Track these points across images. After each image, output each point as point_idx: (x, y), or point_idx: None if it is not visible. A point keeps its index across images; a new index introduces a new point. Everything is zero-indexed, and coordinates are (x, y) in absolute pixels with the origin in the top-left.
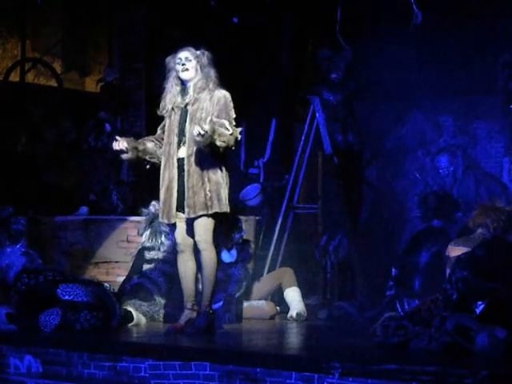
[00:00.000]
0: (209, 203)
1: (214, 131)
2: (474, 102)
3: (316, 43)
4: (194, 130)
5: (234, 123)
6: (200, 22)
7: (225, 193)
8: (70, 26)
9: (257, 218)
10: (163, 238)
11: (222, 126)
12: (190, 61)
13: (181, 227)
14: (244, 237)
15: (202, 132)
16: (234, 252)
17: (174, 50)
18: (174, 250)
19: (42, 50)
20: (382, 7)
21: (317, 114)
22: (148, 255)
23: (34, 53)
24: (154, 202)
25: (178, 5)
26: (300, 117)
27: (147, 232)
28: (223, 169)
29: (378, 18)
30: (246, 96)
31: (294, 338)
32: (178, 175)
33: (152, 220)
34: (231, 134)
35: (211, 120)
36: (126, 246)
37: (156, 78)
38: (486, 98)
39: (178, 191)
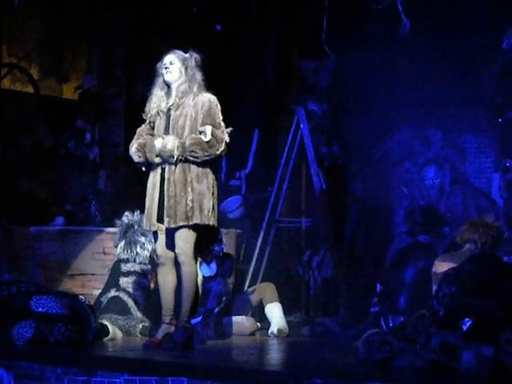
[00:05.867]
0: (189, 213)
1: (184, 150)
2: (463, 116)
3: (301, 52)
4: (163, 154)
5: (223, 125)
6: (182, 29)
7: (209, 204)
8: (47, 31)
9: (238, 231)
10: (138, 249)
11: (202, 133)
12: (174, 64)
13: (162, 239)
14: (224, 250)
15: (173, 160)
16: (213, 265)
17: (155, 57)
18: (151, 262)
19: (18, 55)
20: (369, 16)
21: (301, 125)
22: (124, 268)
23: (11, 58)
24: (126, 213)
25: (159, 11)
26: (284, 128)
27: (122, 243)
28: (210, 178)
29: (365, 28)
30: (228, 105)
31: (274, 354)
32: (161, 183)
33: (126, 231)
34: (208, 142)
35: (184, 143)
36: (102, 258)
37: (137, 85)
38: (475, 111)
39: (159, 199)
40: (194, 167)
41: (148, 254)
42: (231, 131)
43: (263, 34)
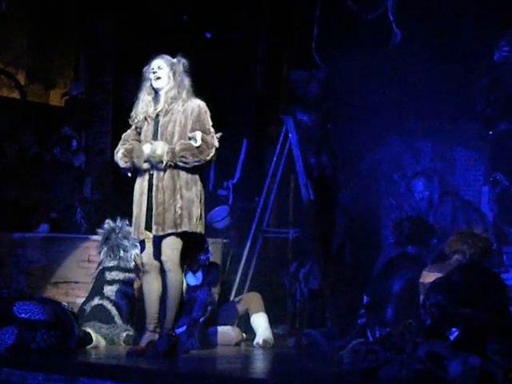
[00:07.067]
0: (178, 221)
1: (174, 156)
2: (453, 128)
3: (291, 62)
4: (152, 159)
5: (213, 131)
6: (172, 37)
7: (197, 211)
8: (35, 36)
9: (224, 240)
10: (122, 253)
11: (192, 138)
12: (162, 69)
13: (148, 247)
14: (210, 259)
15: (162, 166)
16: (199, 274)
17: (143, 64)
18: (135, 270)
19: (5, 60)
20: (360, 26)
21: (290, 135)
22: (109, 276)
23: None
24: (107, 220)
25: (148, 18)
26: (272, 138)
27: (105, 248)
28: (198, 185)
29: (355, 38)
30: (217, 114)
31: (259, 364)
32: (148, 190)
33: (107, 237)
34: (198, 147)
35: (173, 149)
36: (86, 266)
37: (125, 92)
38: (465, 123)
39: (147, 207)
40: (183, 174)
41: (131, 257)
42: (221, 136)
43: (253, 43)
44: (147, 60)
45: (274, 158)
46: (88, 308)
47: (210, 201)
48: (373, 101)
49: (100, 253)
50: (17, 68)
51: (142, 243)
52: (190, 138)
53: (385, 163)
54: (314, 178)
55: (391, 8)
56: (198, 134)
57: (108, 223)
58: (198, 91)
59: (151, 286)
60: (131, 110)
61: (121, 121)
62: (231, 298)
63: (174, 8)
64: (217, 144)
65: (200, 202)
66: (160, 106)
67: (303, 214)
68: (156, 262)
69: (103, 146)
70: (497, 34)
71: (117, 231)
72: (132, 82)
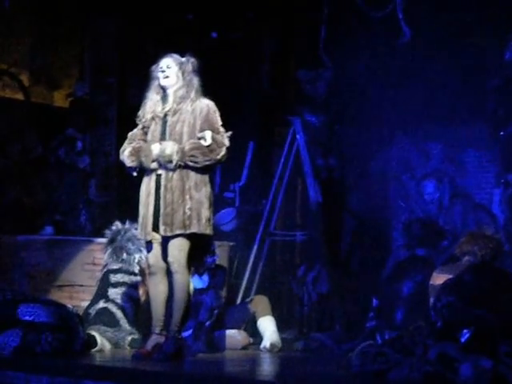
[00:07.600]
0: (187, 222)
1: (183, 155)
2: (463, 129)
3: (298, 61)
4: (162, 159)
5: (223, 130)
6: (177, 37)
7: (206, 213)
8: (38, 36)
9: (231, 243)
10: (124, 255)
11: (202, 138)
12: (171, 68)
13: (155, 248)
14: (217, 262)
15: (172, 166)
16: (205, 277)
17: (148, 65)
18: (141, 273)
19: (8, 61)
20: (368, 24)
21: (297, 136)
22: (113, 278)
23: (1, 64)
24: (116, 222)
25: (153, 18)
26: (279, 140)
27: (109, 250)
28: (208, 187)
29: (364, 37)
30: (223, 115)
31: (266, 367)
32: (156, 190)
33: (113, 238)
34: (208, 146)
35: (183, 148)
36: (91, 268)
37: (129, 93)
38: (476, 124)
39: (154, 207)
40: (192, 175)
41: (134, 260)
42: (231, 135)
43: (259, 43)
44: (152, 60)
45: (282, 160)
46: (93, 311)
47: (217, 203)
48: (381, 101)
49: (105, 254)
50: (20, 69)
51: (149, 244)
52: (199, 138)
53: (393, 164)
54: (322, 180)
55: (400, 6)
56: (208, 133)
57: (116, 225)
58: (204, 92)
59: (157, 288)
60: (136, 111)
61: (125, 122)
62: (238, 301)
63: (180, 8)
64: (228, 143)
65: (209, 203)
66: (168, 106)
67: (311, 216)
68: (163, 264)
69: (108, 148)
70: (507, 34)
71: (122, 233)
72: (136, 83)
